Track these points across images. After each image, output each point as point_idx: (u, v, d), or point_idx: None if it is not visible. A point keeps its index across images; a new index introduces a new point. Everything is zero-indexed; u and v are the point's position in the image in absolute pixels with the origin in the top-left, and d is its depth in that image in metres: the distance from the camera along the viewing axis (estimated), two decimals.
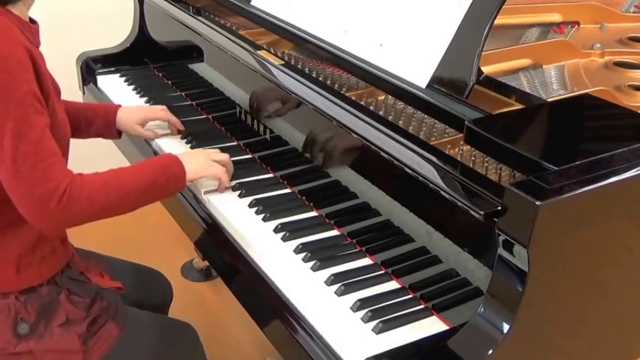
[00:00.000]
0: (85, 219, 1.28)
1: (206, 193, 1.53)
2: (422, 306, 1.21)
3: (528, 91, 1.39)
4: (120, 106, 1.73)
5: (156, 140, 1.78)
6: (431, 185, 1.16)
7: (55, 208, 1.20)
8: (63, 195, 1.20)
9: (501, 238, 1.00)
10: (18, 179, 1.19)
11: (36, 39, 1.32)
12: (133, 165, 1.39)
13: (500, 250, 1.01)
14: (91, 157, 2.42)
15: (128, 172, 1.35)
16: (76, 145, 1.85)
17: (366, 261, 1.32)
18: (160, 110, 1.79)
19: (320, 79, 1.55)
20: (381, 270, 1.29)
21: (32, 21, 1.33)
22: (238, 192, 1.53)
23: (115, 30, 2.29)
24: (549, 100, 1.33)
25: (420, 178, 1.18)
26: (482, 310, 1.03)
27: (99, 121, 1.67)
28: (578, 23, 1.84)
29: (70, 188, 1.21)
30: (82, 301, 1.37)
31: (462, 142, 1.28)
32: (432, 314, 1.19)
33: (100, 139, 1.73)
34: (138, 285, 1.65)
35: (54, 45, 2.63)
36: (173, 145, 1.76)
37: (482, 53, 1.26)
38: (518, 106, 1.28)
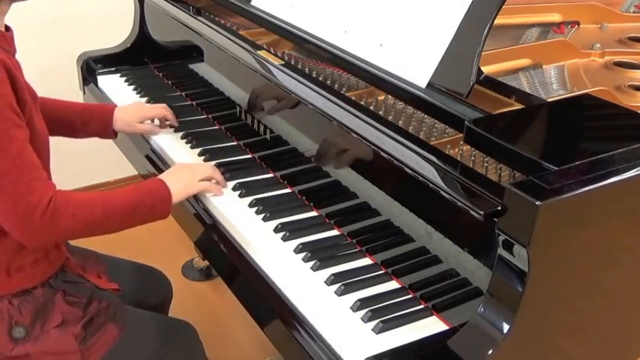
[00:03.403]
0: (69, 234, 1.29)
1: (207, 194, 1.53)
2: (422, 306, 1.21)
3: (528, 91, 1.39)
4: (116, 106, 1.73)
5: (155, 140, 1.79)
6: (431, 185, 1.16)
7: (38, 221, 1.19)
8: (47, 209, 1.19)
9: (501, 238, 1.00)
10: (0, 194, 1.18)
11: (12, 47, 1.30)
12: (121, 187, 1.37)
13: (500, 250, 1.01)
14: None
15: (113, 193, 1.34)
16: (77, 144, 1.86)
17: (366, 261, 1.32)
18: (158, 108, 1.80)
19: (320, 79, 1.55)
20: (381, 270, 1.29)
21: (6, 28, 1.31)
22: (238, 192, 1.53)
23: (115, 30, 2.29)
24: (549, 100, 1.33)
25: (420, 178, 1.18)
26: (482, 310, 1.03)
27: (96, 122, 1.67)
28: (578, 23, 1.84)
29: (54, 202, 1.20)
30: (78, 301, 1.37)
31: (462, 142, 1.28)
32: (432, 314, 1.19)
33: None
34: (137, 284, 1.65)
35: (55, 45, 2.65)
36: (173, 145, 1.76)
37: (483, 53, 1.26)
38: (518, 106, 1.28)
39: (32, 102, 1.29)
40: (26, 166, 1.19)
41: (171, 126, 1.82)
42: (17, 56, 1.31)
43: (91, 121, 1.66)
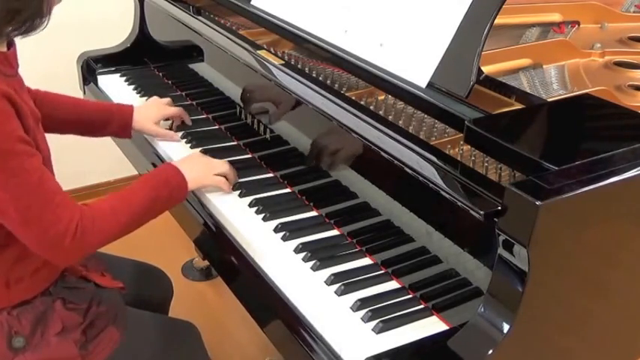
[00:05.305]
0: (99, 247, 1.29)
1: (207, 192, 1.53)
2: (422, 306, 1.21)
3: (528, 91, 1.39)
4: (132, 105, 1.71)
5: (155, 139, 1.78)
6: (431, 185, 1.16)
7: (69, 245, 1.20)
8: (76, 232, 1.20)
9: (501, 238, 1.00)
10: (27, 226, 1.18)
11: (13, 66, 1.25)
12: (135, 183, 1.36)
13: (500, 250, 1.01)
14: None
15: (131, 192, 1.33)
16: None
17: (366, 261, 1.32)
18: (176, 108, 1.80)
19: (320, 79, 1.55)
20: (381, 270, 1.29)
21: (9, 44, 1.24)
22: (238, 192, 1.53)
23: (115, 30, 2.29)
24: (549, 100, 1.33)
25: (420, 178, 1.18)
26: (482, 310, 1.03)
27: (115, 123, 1.66)
28: (578, 23, 1.84)
29: (81, 223, 1.21)
30: (78, 307, 1.35)
31: (462, 142, 1.28)
32: (432, 314, 1.19)
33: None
34: (138, 282, 1.65)
35: (55, 45, 2.64)
36: (173, 144, 1.76)
37: (483, 53, 1.26)
38: (518, 106, 1.28)
39: (35, 125, 1.26)
40: (49, 194, 1.19)
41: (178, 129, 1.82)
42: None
43: (111, 122, 1.65)
